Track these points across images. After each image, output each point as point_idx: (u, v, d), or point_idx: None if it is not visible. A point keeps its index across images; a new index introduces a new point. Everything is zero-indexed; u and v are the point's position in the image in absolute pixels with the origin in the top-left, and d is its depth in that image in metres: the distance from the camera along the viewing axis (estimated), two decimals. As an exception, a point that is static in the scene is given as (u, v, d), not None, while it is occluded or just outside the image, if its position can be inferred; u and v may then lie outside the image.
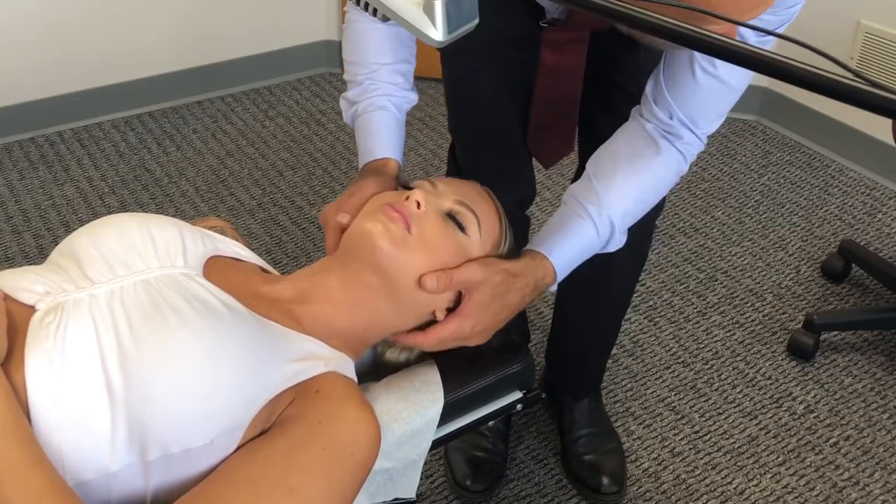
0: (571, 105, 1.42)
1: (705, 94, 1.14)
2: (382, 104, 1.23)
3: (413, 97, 1.27)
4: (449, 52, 1.44)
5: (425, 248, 1.00)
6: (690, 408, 1.92)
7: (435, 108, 2.94)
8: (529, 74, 1.39)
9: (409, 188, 1.08)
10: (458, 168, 1.59)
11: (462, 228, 1.04)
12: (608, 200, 1.15)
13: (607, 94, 1.41)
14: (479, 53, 1.38)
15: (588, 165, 1.21)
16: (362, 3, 0.81)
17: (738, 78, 1.13)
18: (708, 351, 2.07)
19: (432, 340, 1.05)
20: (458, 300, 1.05)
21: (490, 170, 1.51)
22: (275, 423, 0.91)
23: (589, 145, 1.50)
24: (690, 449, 1.83)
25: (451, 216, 1.04)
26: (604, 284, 1.58)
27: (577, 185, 1.19)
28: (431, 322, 1.06)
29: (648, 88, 1.17)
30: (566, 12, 1.27)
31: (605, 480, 1.70)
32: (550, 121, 1.45)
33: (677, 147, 1.17)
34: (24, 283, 0.91)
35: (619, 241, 1.18)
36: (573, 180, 1.60)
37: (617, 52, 1.34)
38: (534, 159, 1.57)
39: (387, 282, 1.00)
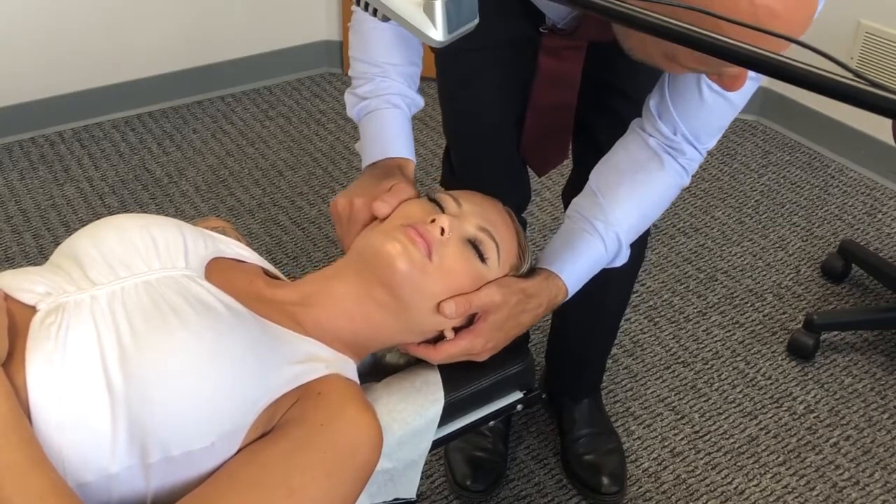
0: (567, 112, 1.42)
1: (710, 112, 1.14)
2: (396, 102, 1.21)
3: (420, 101, 1.26)
4: (444, 53, 1.44)
5: (443, 276, 0.99)
6: (690, 408, 1.92)
7: (435, 108, 2.91)
8: (526, 79, 1.38)
9: (432, 200, 1.06)
10: (452, 168, 1.59)
11: (482, 258, 1.02)
12: (614, 217, 1.16)
13: (601, 95, 1.41)
14: (476, 55, 1.38)
15: (591, 179, 1.20)
16: (362, 4, 0.80)
17: (743, 95, 1.13)
18: (708, 351, 2.07)
19: (442, 355, 1.05)
20: (470, 318, 1.05)
21: (485, 173, 1.51)
22: (276, 425, 0.91)
23: (582, 146, 1.50)
24: (690, 449, 1.83)
25: (472, 243, 1.02)
26: (602, 284, 1.58)
27: (582, 201, 1.19)
28: (438, 336, 1.05)
29: (652, 103, 1.17)
30: (574, 23, 1.26)
31: (606, 480, 1.70)
32: (546, 129, 1.45)
33: (680, 162, 1.17)
34: (24, 283, 0.91)
35: (624, 256, 1.19)
36: (569, 179, 1.61)
37: (612, 55, 1.34)
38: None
39: (399, 302, 0.99)
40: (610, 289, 1.61)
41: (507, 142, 1.49)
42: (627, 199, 1.17)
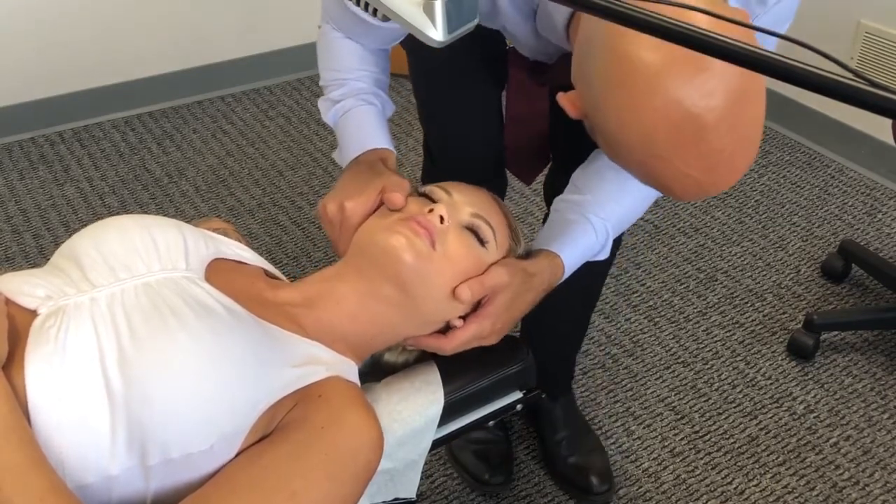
0: (542, 121, 1.41)
1: None
2: (372, 101, 1.23)
3: (392, 106, 1.27)
4: (421, 76, 1.46)
5: (448, 264, 1.00)
6: (690, 408, 1.92)
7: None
8: (501, 73, 1.39)
9: (422, 194, 1.07)
10: (432, 159, 1.58)
11: (482, 242, 1.04)
12: (604, 211, 1.17)
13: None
14: (451, 77, 1.40)
15: (576, 183, 1.21)
16: (362, 3, 0.80)
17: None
18: (708, 351, 2.07)
19: (454, 344, 1.05)
20: (475, 305, 1.05)
21: (463, 166, 1.51)
22: (277, 427, 0.91)
23: (558, 142, 1.50)
24: (690, 449, 1.83)
25: (470, 230, 1.04)
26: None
27: (571, 197, 1.20)
28: (444, 327, 1.05)
29: None
30: (543, 58, 1.26)
31: (595, 480, 1.70)
32: (524, 139, 1.45)
33: None
34: (25, 286, 0.91)
35: (608, 251, 1.20)
36: (547, 175, 1.60)
37: None
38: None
39: (406, 296, 1.00)
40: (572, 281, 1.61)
41: (491, 157, 1.50)
42: (618, 193, 1.17)
